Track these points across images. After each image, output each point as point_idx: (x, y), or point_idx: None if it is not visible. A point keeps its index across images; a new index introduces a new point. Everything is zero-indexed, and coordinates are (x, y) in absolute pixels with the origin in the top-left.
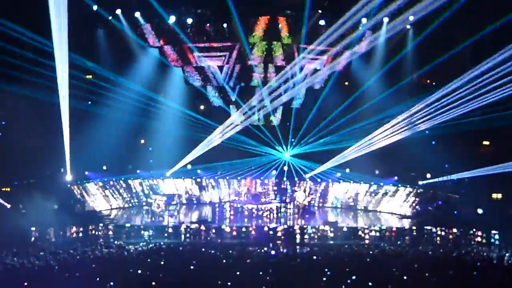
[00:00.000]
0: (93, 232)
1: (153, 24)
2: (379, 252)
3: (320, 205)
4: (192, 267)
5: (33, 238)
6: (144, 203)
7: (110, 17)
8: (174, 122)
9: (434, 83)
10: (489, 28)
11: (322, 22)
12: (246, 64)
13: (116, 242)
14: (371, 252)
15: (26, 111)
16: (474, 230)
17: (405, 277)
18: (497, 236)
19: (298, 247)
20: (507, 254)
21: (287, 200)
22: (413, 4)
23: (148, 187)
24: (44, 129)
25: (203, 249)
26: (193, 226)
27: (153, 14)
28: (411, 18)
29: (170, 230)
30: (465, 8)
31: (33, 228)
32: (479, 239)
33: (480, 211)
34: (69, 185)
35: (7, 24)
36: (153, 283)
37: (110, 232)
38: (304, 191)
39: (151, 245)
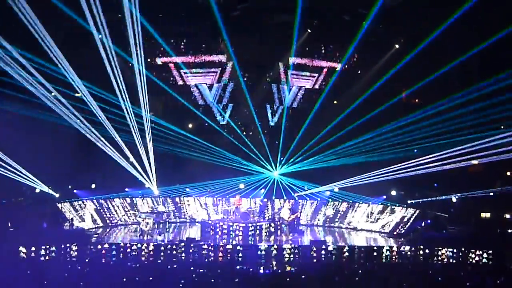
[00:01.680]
0: (81, 250)
1: (144, 42)
2: (368, 270)
3: (309, 223)
4: (180, 285)
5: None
6: (132, 221)
7: (100, 36)
8: (163, 140)
9: (422, 102)
10: (478, 48)
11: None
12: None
13: (103, 260)
14: (360, 271)
15: (14, 127)
16: (463, 249)
17: None
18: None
19: (287, 265)
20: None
21: (276, 219)
22: None
23: (137, 205)
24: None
25: (192, 268)
26: (182, 244)
27: (144, 32)
28: None
29: (158, 248)
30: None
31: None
32: (469, 258)
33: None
34: (57, 203)
35: None
36: None
37: (98, 250)
38: (289, 208)
39: (138, 264)
